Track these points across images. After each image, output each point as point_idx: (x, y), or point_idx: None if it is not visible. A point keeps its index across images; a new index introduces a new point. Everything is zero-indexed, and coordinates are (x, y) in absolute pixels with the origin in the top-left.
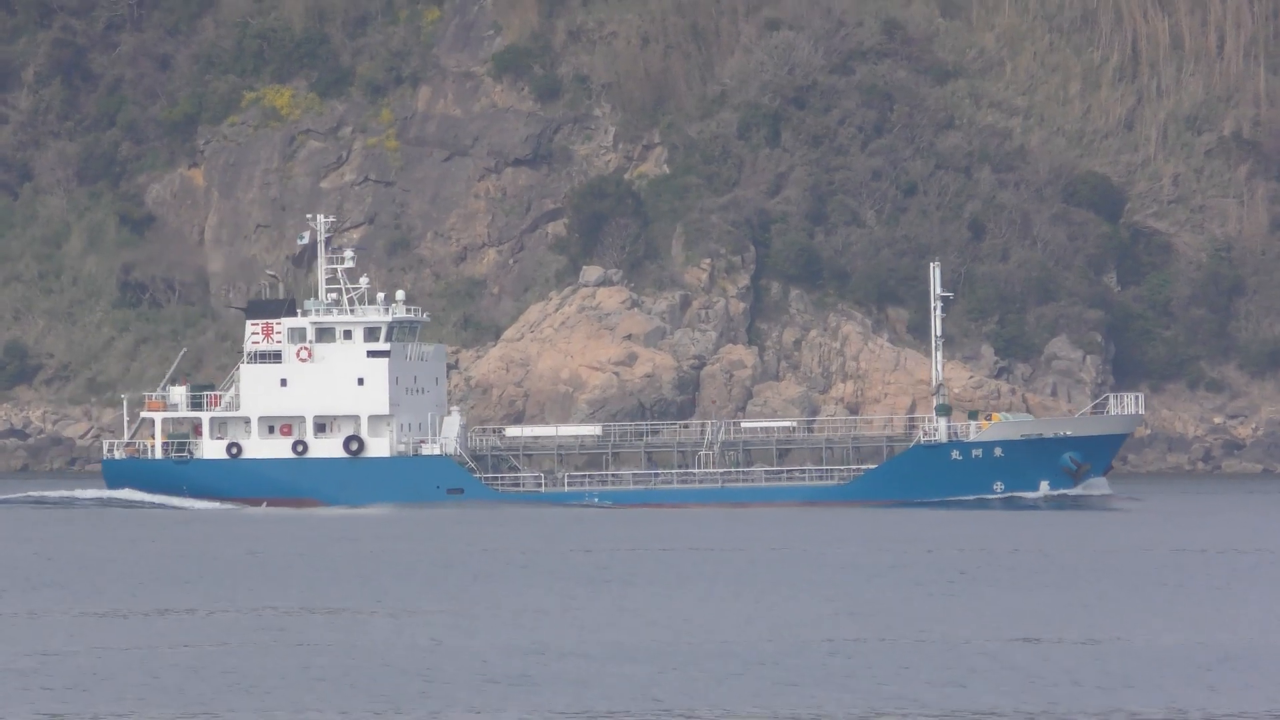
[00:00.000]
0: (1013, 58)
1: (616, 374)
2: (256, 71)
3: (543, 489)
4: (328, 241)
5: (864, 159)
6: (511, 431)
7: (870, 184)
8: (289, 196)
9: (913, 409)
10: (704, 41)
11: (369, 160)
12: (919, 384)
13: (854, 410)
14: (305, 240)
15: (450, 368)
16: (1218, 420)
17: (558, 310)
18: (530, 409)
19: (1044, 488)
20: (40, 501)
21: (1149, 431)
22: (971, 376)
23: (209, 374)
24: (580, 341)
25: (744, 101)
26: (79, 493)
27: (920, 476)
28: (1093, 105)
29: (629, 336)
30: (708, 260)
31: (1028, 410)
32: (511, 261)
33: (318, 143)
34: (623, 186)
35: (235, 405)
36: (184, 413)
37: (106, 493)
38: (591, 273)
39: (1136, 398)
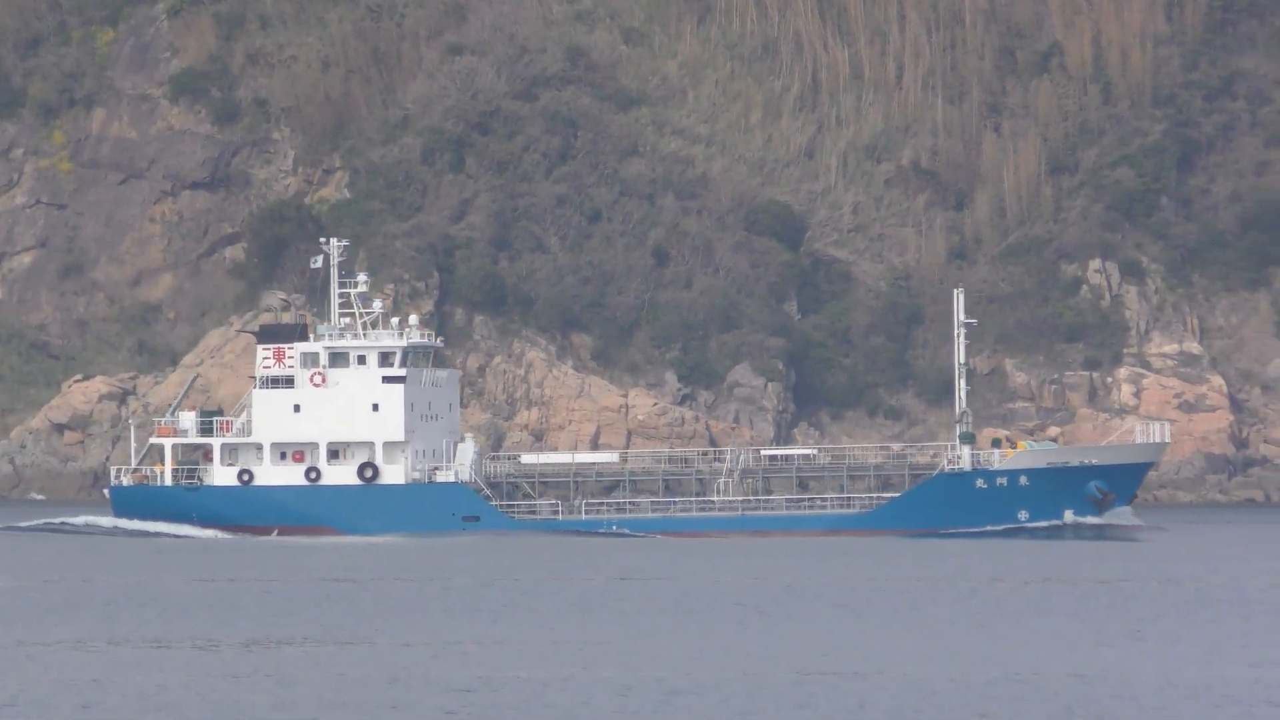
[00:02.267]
0: (695, 86)
1: None
2: None
3: (560, 517)
4: (340, 265)
5: (548, 185)
6: (527, 458)
7: (555, 210)
8: None
9: (597, 436)
10: (385, 66)
11: (41, 183)
12: (604, 411)
13: (539, 437)
14: (318, 264)
15: (129, 394)
16: (896, 448)
17: (239, 336)
18: None
19: (1069, 516)
20: (45, 529)
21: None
22: (655, 404)
23: None
24: None
25: (427, 126)
26: (85, 520)
27: (944, 505)
28: (774, 134)
29: None
30: (391, 286)
31: (710, 438)
32: (188, 286)
33: None
34: (303, 211)
35: (247, 431)
36: (194, 438)
37: (114, 520)
38: (273, 298)
39: (1162, 426)
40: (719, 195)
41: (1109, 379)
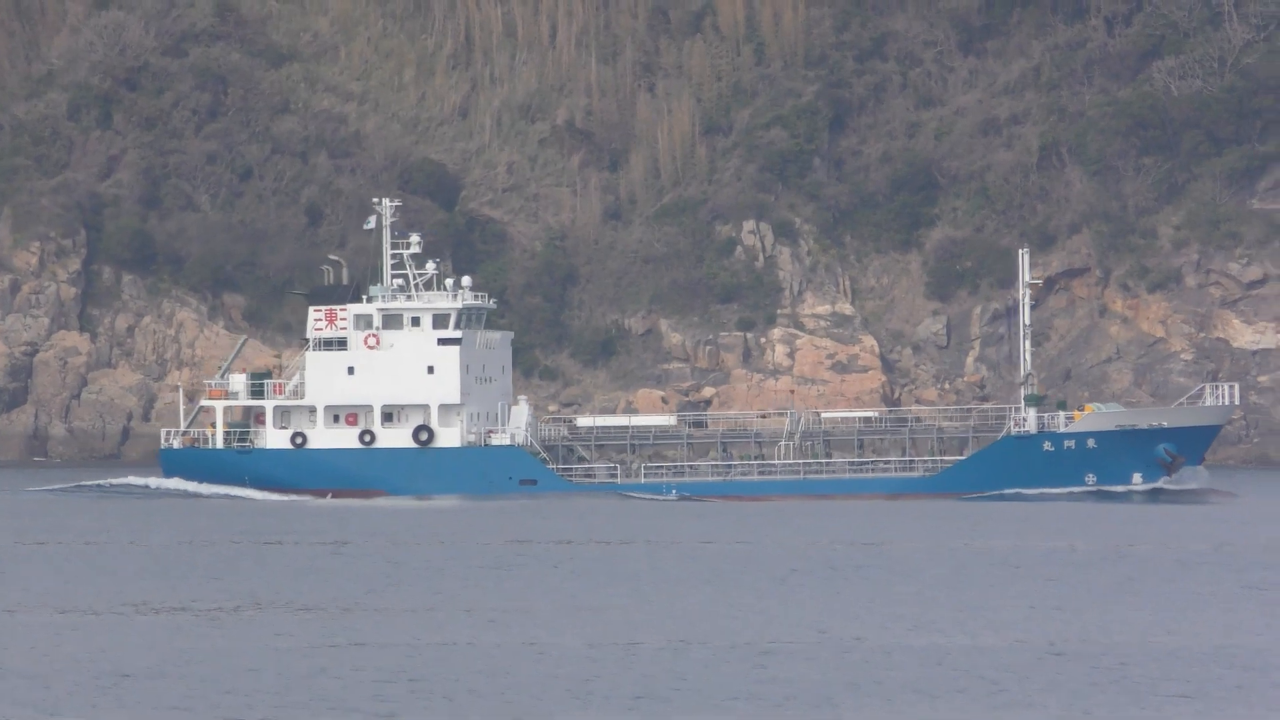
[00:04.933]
0: (347, 43)
1: None
2: None
3: (618, 480)
4: (393, 226)
5: (198, 142)
6: (582, 421)
7: (205, 168)
8: None
9: None
10: (29, 19)
11: None
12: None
13: (191, 398)
14: (371, 225)
15: None
16: (553, 409)
17: None
18: None
19: (1137, 480)
20: (99, 490)
21: None
22: None
23: None
24: None
25: (73, 82)
26: (134, 480)
27: (1010, 468)
28: (428, 92)
29: None
30: (37, 244)
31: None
32: None
33: None
34: None
35: (299, 393)
36: (245, 401)
37: (164, 482)
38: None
39: (1232, 388)
40: (373, 154)
41: (763, 339)
